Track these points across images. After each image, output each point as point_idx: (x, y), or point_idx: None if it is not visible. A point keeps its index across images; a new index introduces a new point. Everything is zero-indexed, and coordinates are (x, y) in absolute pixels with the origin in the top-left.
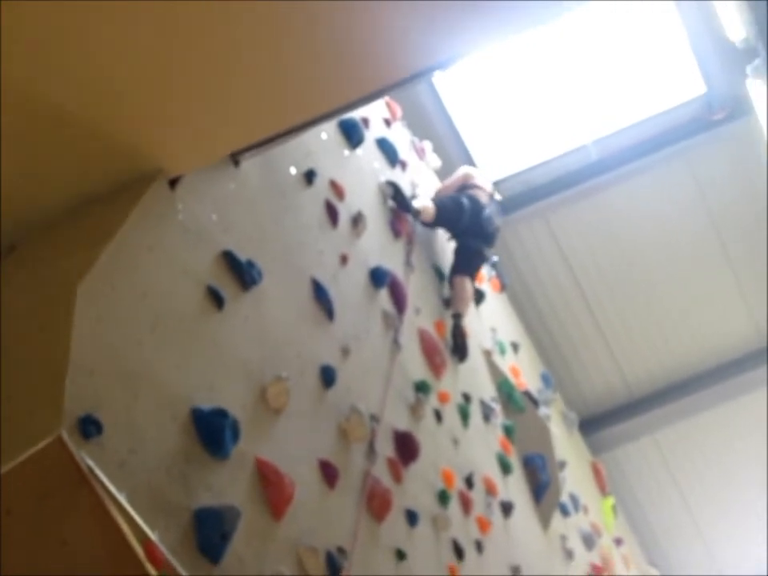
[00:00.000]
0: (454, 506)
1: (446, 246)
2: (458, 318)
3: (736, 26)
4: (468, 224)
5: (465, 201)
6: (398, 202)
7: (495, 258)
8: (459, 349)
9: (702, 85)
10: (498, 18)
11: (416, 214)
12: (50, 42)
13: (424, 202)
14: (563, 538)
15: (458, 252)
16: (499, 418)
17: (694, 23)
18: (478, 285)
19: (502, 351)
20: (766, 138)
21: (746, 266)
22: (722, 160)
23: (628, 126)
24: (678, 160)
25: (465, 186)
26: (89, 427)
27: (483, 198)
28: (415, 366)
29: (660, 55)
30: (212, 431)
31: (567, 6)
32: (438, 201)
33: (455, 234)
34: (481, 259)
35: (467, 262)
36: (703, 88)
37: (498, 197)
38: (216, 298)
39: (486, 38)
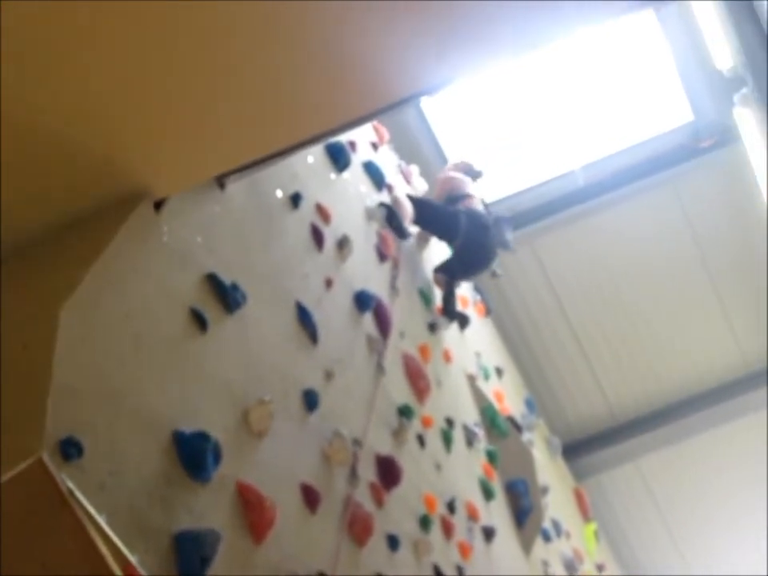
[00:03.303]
0: (436, 530)
1: (432, 270)
2: (449, 285)
3: (724, 54)
4: (464, 243)
5: (462, 217)
6: (392, 225)
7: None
8: (457, 314)
9: (689, 112)
10: (487, 45)
11: (408, 236)
12: (35, 61)
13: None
14: (545, 563)
15: (450, 259)
16: (482, 443)
17: (682, 51)
18: (462, 309)
19: (486, 376)
20: (752, 166)
21: (732, 293)
22: (709, 187)
23: (615, 153)
24: (665, 187)
25: (453, 198)
26: (70, 449)
27: (479, 207)
28: (399, 391)
29: (648, 82)
30: (194, 454)
31: (557, 33)
32: (432, 205)
33: (451, 247)
34: (474, 274)
35: (461, 272)
36: (691, 116)
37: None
38: (200, 321)
39: (475, 64)
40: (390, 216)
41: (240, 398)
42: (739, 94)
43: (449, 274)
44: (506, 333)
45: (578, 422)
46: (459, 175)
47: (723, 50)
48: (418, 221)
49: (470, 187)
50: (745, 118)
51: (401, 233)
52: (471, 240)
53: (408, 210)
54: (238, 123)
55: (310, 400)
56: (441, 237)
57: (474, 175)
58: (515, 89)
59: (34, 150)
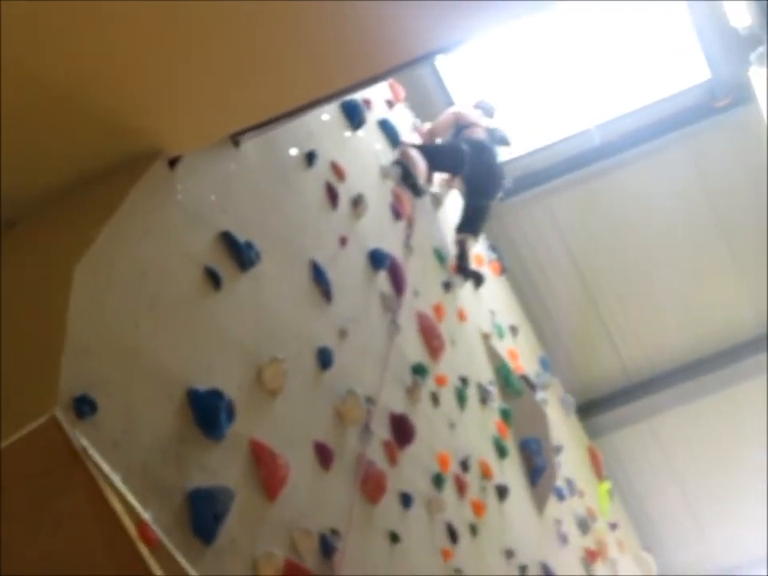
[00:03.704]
0: (449, 489)
1: (447, 228)
2: (462, 243)
3: (740, 13)
4: (473, 169)
5: (464, 147)
6: (407, 183)
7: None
8: (471, 272)
9: (705, 71)
10: (503, 3)
11: (423, 193)
12: (49, 18)
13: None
14: (558, 522)
15: (464, 211)
16: (496, 402)
17: (699, 10)
18: (477, 267)
19: (501, 335)
20: (767, 126)
21: (747, 252)
22: (724, 146)
23: (631, 111)
24: (680, 146)
25: (459, 127)
26: (83, 407)
27: (481, 135)
28: (413, 349)
29: (664, 41)
30: (207, 412)
31: None
32: (434, 147)
33: (466, 190)
34: (485, 215)
35: (473, 221)
36: (707, 74)
37: (495, 125)
38: (214, 279)
39: (491, 22)
40: (405, 174)
41: (254, 356)
42: (756, 53)
43: (469, 227)
44: (520, 291)
45: (592, 381)
46: (464, 108)
47: (740, 9)
48: (427, 165)
49: (474, 116)
50: (761, 77)
51: (416, 190)
52: (477, 164)
53: (420, 163)
54: (253, 81)
55: (324, 358)
56: (451, 171)
57: (487, 110)
58: (531, 46)
59: (47, 108)
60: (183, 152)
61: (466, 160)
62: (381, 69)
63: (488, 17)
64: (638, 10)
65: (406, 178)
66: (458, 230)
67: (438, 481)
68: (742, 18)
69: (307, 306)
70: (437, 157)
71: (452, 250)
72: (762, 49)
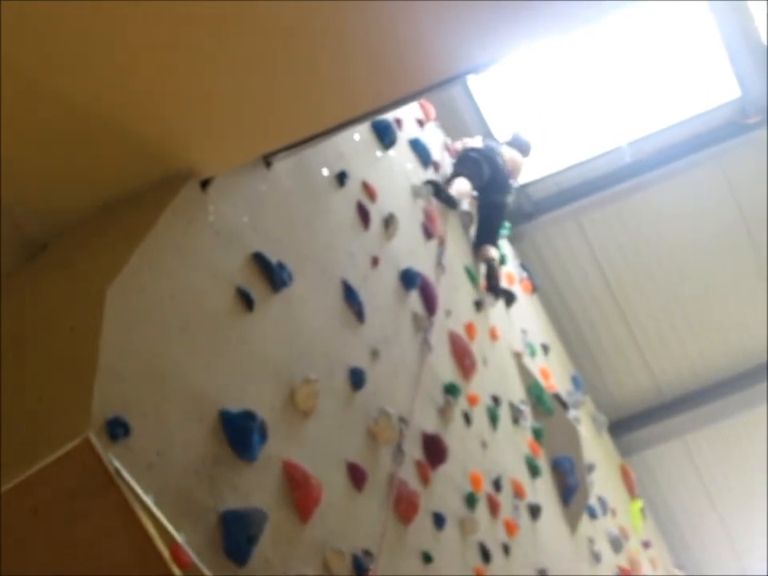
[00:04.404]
0: (482, 508)
1: None
2: (491, 260)
3: None
4: (490, 173)
5: (473, 155)
6: (441, 199)
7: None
8: (503, 291)
9: (736, 89)
10: (534, 23)
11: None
12: (82, 39)
13: (458, 187)
14: (591, 540)
15: (480, 215)
16: (528, 421)
17: (729, 27)
18: (508, 286)
19: (532, 353)
20: None
21: None
22: (756, 164)
23: (662, 129)
24: (712, 163)
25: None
26: (117, 429)
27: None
28: (444, 368)
29: (695, 58)
30: (240, 433)
31: (605, 9)
32: (457, 161)
33: (479, 188)
34: (502, 212)
35: (489, 226)
36: (738, 92)
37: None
38: (246, 300)
39: (522, 42)
40: (438, 190)
41: (286, 377)
42: None
43: (487, 235)
44: (552, 310)
45: (624, 399)
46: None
47: None
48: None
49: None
50: None
51: (451, 203)
52: (490, 166)
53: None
54: (284, 102)
55: (356, 378)
56: (471, 178)
57: (522, 147)
58: (562, 65)
59: (81, 130)
60: (215, 173)
61: (484, 167)
62: (412, 90)
63: (519, 36)
64: (668, 28)
65: (439, 193)
66: (477, 242)
67: (470, 500)
68: None
69: (339, 326)
70: (459, 165)
71: (483, 269)
72: None
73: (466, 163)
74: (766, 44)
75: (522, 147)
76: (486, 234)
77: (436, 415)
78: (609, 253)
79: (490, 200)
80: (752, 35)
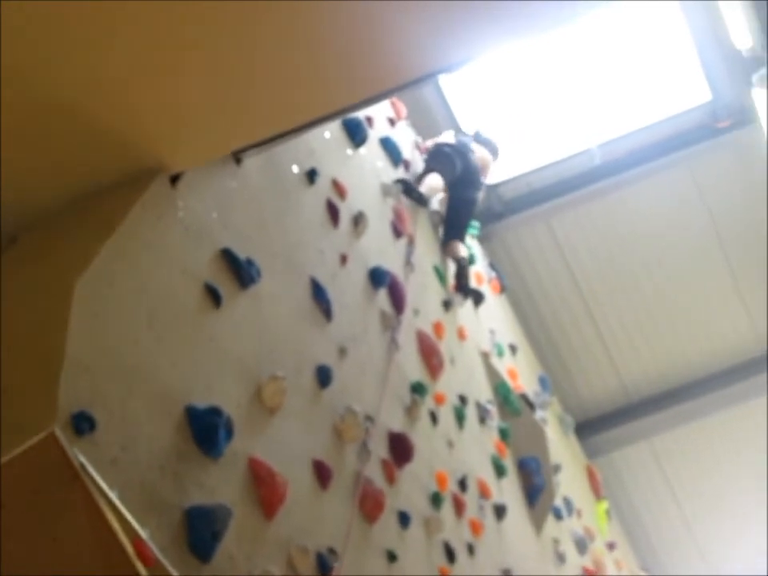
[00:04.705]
0: (447, 508)
1: None
2: (461, 259)
3: (743, 34)
4: (462, 168)
5: (446, 149)
6: (412, 197)
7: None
8: (471, 290)
9: (707, 92)
10: (508, 23)
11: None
12: (53, 33)
13: (430, 182)
14: (556, 541)
15: (449, 210)
16: (495, 421)
17: (701, 30)
18: (477, 286)
19: (500, 353)
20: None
21: (747, 273)
22: (726, 168)
23: (632, 131)
24: (681, 166)
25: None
26: (82, 423)
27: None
28: (412, 367)
29: (666, 61)
30: (206, 429)
31: (578, 10)
32: (429, 155)
33: (450, 183)
34: (472, 209)
35: (457, 222)
36: (709, 95)
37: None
38: (214, 296)
39: (495, 42)
40: (408, 189)
41: (253, 373)
42: (757, 74)
43: (455, 231)
44: (520, 310)
45: (591, 400)
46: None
47: (742, 29)
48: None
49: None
50: (763, 98)
51: (421, 201)
52: (462, 161)
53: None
54: (255, 98)
55: (323, 376)
56: (443, 173)
57: (488, 145)
58: (533, 65)
59: (51, 125)
60: (185, 169)
61: (456, 162)
62: (384, 88)
63: (492, 36)
64: (641, 31)
65: (409, 191)
66: (445, 237)
67: (435, 500)
68: (744, 39)
69: (307, 323)
70: (432, 160)
71: (452, 268)
72: (763, 70)
73: (439, 158)
74: (737, 48)
75: (488, 145)
76: (455, 230)
77: (402, 414)
78: (578, 254)
79: (460, 196)
80: (724, 39)
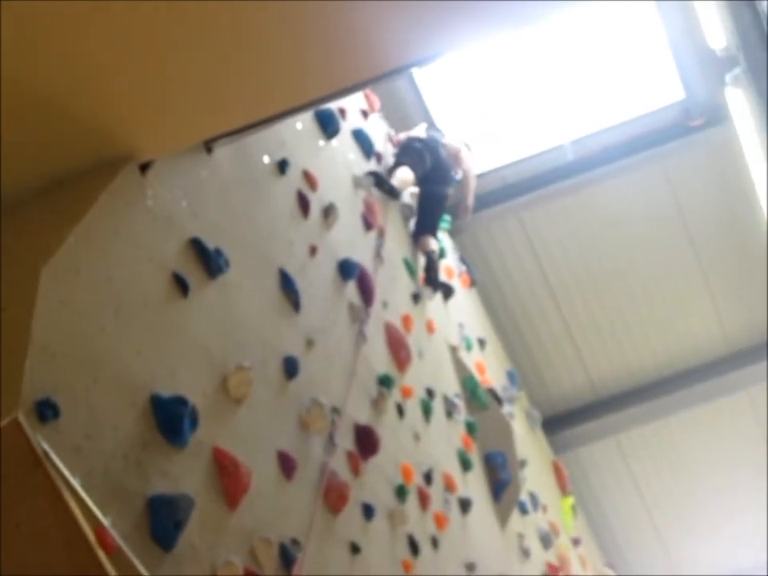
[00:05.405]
0: (412, 501)
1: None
2: (431, 252)
3: (717, 33)
4: (432, 163)
5: (416, 144)
6: (383, 190)
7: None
8: (441, 284)
9: (680, 91)
10: (483, 18)
11: (400, 195)
12: (26, 20)
13: (400, 176)
14: (520, 536)
15: (420, 205)
16: (462, 415)
17: (675, 29)
18: (447, 280)
19: (469, 347)
20: (742, 147)
21: (717, 271)
22: (698, 166)
23: (605, 128)
24: (654, 164)
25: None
26: (46, 410)
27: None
28: (379, 360)
29: (640, 59)
30: (170, 419)
31: (553, 7)
32: (399, 150)
33: (421, 178)
34: (443, 203)
35: (429, 216)
36: (682, 94)
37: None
38: (181, 285)
39: (470, 37)
40: (380, 181)
41: (219, 363)
42: (731, 73)
43: (427, 225)
44: (489, 304)
45: (558, 396)
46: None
47: (716, 29)
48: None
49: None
50: (736, 98)
51: (393, 194)
52: (433, 156)
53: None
54: (226, 88)
55: (290, 367)
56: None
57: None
58: (508, 60)
59: (19, 110)
60: (155, 157)
61: (426, 157)
62: (357, 80)
63: (467, 31)
64: (616, 29)
65: (381, 184)
66: (416, 231)
67: (400, 492)
68: (718, 39)
69: (275, 314)
70: (402, 154)
71: (422, 262)
72: (737, 70)
73: (409, 153)
74: (711, 47)
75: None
76: (426, 224)
77: (369, 406)
78: (549, 249)
79: (431, 190)
80: (698, 38)
